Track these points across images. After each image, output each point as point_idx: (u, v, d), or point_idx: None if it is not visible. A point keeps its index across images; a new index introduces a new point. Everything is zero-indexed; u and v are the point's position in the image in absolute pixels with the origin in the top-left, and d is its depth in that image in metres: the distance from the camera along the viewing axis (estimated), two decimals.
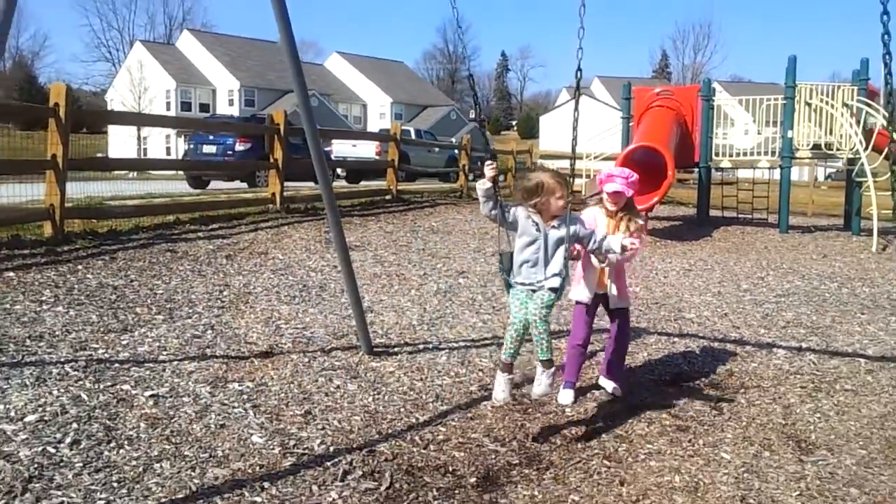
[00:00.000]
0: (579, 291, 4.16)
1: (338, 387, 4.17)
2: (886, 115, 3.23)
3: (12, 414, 3.42)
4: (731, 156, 13.79)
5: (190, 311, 5.47)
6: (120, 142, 49.21)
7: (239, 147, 18.03)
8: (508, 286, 3.58)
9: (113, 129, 51.20)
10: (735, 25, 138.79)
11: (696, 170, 14.04)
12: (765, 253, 10.40)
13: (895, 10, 2.84)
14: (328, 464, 3.22)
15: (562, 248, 3.50)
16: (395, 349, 4.96)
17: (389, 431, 3.63)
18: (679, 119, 13.27)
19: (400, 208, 12.56)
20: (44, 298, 5.39)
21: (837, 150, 12.52)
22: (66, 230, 7.38)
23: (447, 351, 4.98)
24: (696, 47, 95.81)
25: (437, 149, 27.53)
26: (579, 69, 3.48)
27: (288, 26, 4.02)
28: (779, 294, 7.47)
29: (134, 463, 3.07)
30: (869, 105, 12.22)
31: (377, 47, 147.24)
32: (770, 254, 10.33)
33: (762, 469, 3.38)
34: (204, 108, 54.20)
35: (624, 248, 3.65)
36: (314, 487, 3.01)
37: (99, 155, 28.61)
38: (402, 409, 3.92)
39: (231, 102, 54.55)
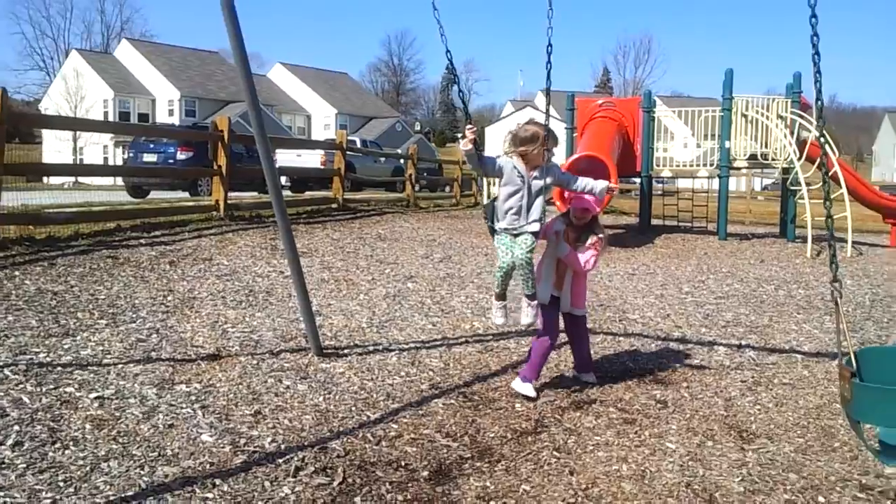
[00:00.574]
0: (540, 291, 4.25)
1: (287, 387, 4.15)
2: (818, 126, 3.40)
3: None
4: (671, 166, 14.13)
5: (133, 315, 5.36)
6: (54, 151, 47.65)
7: (181, 155, 17.66)
8: (493, 232, 4.11)
9: (48, 139, 49.76)
10: (674, 42, 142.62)
11: (639, 179, 14.33)
12: (705, 258, 10.66)
13: (825, 31, 3.02)
14: (280, 461, 3.21)
15: (541, 197, 4.01)
16: (345, 351, 4.95)
17: (341, 429, 3.62)
18: (621, 130, 13.54)
19: (347, 216, 12.51)
20: None
21: (773, 160, 12.95)
22: (2, 236, 7.15)
23: (397, 352, 4.99)
24: (637, 62, 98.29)
25: (382, 159, 27.55)
26: (548, 77, 4.20)
27: (238, 33, 4.06)
28: (719, 296, 7.69)
29: (80, 463, 3.00)
30: (802, 117, 12.69)
31: (320, 58, 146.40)
32: (710, 259, 10.60)
33: (706, 457, 3.48)
34: (143, 117, 53.01)
35: (611, 191, 4.34)
36: (266, 484, 2.99)
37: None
38: (353, 408, 3.92)
39: (171, 112, 53.50)
